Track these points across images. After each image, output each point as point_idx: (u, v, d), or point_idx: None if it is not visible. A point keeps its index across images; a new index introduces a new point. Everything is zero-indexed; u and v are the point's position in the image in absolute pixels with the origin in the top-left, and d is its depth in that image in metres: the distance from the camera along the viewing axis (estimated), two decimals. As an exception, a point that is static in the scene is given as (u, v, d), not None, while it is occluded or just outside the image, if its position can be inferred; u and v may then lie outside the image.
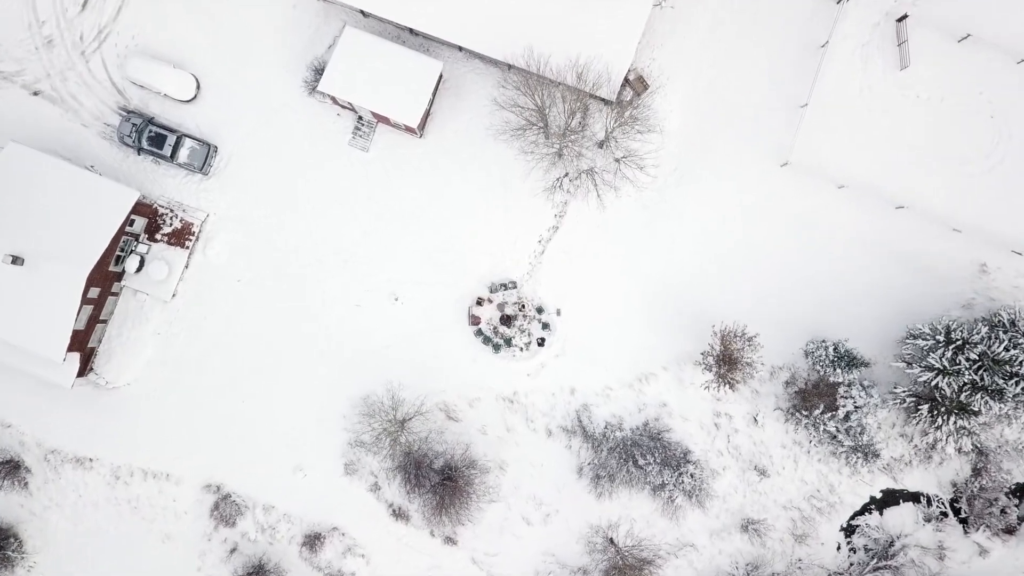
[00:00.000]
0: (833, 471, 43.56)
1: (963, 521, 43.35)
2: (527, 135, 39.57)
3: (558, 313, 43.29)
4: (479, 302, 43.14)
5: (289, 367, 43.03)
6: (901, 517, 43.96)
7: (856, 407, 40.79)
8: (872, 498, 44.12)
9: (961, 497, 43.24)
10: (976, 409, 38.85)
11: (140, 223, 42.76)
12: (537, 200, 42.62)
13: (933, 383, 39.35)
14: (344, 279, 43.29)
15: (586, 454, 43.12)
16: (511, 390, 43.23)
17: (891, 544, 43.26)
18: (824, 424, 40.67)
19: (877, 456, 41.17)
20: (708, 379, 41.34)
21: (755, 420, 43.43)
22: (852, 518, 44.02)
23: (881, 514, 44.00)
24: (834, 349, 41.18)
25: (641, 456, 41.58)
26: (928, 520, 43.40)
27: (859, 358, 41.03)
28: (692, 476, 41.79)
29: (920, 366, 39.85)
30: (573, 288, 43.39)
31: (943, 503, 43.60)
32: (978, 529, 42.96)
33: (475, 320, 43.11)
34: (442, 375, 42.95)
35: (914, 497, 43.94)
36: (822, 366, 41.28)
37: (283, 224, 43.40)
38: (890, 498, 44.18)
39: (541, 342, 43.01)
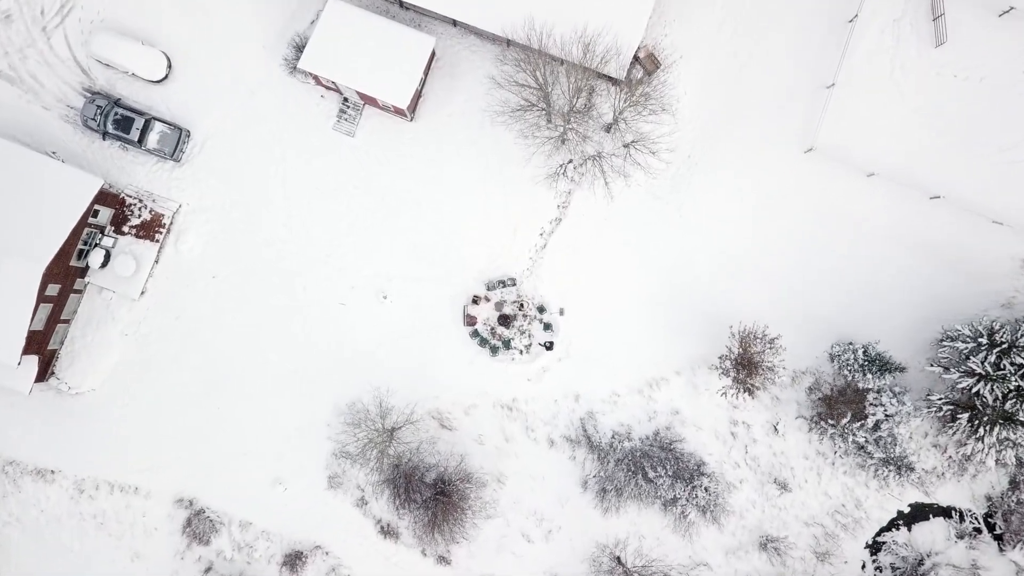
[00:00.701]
0: (860, 484, 40.16)
1: (998, 538, 40.18)
2: (527, 117, 35.97)
3: (561, 313, 39.78)
4: (475, 300, 39.62)
5: (268, 371, 39.53)
6: (931, 533, 40.77)
7: (887, 416, 37.33)
8: (900, 513, 40.87)
9: (996, 512, 39.97)
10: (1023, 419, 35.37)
11: (105, 214, 39.22)
12: (539, 189, 39.07)
13: (973, 390, 35.85)
14: (328, 275, 39.79)
15: (591, 466, 39.69)
16: (510, 396, 39.77)
17: (920, 563, 39.98)
18: (853, 434, 37.17)
19: (911, 470, 37.70)
20: (725, 385, 37.89)
21: (775, 429, 39.98)
22: (878, 534, 40.81)
23: (910, 530, 40.82)
24: (863, 352, 37.68)
25: (651, 468, 38.20)
26: (961, 537, 40.12)
27: (892, 362, 37.55)
28: (707, 490, 38.43)
29: (959, 371, 36.35)
30: (577, 285, 39.89)
31: (977, 518, 40.31)
32: (1015, 546, 39.74)
33: (471, 320, 39.60)
34: (435, 380, 39.50)
35: (945, 512, 40.76)
36: (850, 371, 37.78)
37: (261, 216, 39.87)
38: (919, 513, 40.98)
39: (550, 346, 39.48)
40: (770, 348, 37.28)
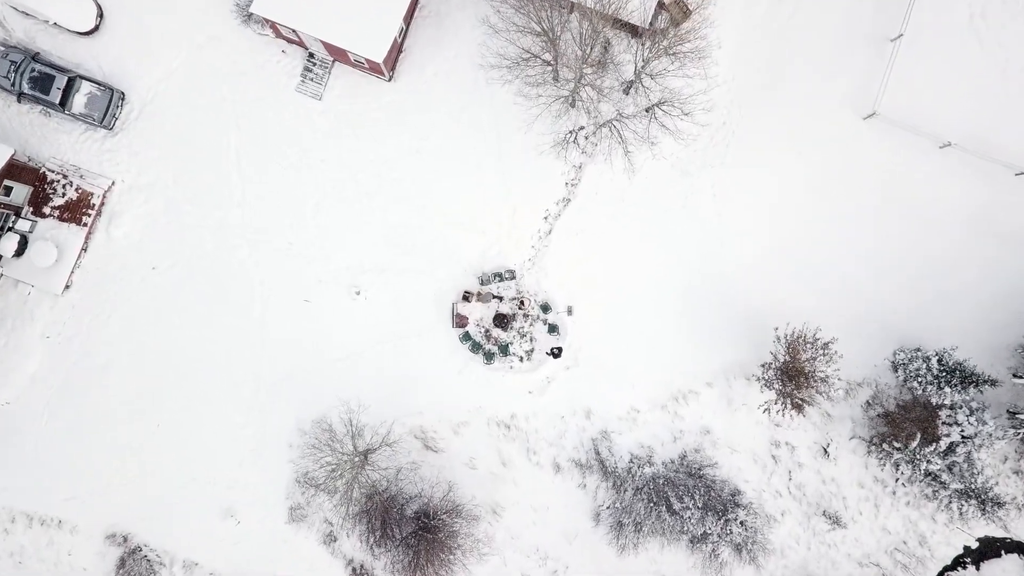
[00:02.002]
0: (925, 517, 33.74)
1: (1086, 579, 33.71)
2: (530, 70, 29.23)
3: (569, 312, 33.17)
4: (466, 297, 33.01)
5: (218, 382, 32.97)
6: (1004, 573, 34.28)
7: (964, 437, 30.77)
8: (967, 548, 34.47)
9: (1084, 549, 33.52)
10: None
11: (21, 192, 32.59)
12: (543, 162, 32.40)
13: (1073, 408, 29.34)
14: (290, 267, 33.20)
15: (605, 495, 33.22)
16: (508, 412, 33.24)
17: (991, 607, 33.60)
18: (927, 461, 30.61)
19: (1000, 505, 31.18)
20: (768, 400, 31.36)
21: (825, 452, 33.48)
22: (941, 574, 34.27)
23: (978, 568, 34.69)
24: (938, 361, 31.09)
25: (677, 498, 31.75)
26: (1040, 577, 33.74)
27: (978, 374, 31.02)
28: (743, 524, 32.01)
29: (1054, 385, 29.83)
30: (589, 279, 33.32)
31: (1060, 556, 33.94)
32: (1105, 589, 33.21)
33: (461, 321, 32.99)
34: (417, 393, 33.00)
35: (1020, 547, 34.17)
36: (921, 383, 31.19)
37: (211, 196, 33.27)
38: (989, 548, 34.76)
39: (557, 353, 32.92)
40: (823, 355, 30.71)
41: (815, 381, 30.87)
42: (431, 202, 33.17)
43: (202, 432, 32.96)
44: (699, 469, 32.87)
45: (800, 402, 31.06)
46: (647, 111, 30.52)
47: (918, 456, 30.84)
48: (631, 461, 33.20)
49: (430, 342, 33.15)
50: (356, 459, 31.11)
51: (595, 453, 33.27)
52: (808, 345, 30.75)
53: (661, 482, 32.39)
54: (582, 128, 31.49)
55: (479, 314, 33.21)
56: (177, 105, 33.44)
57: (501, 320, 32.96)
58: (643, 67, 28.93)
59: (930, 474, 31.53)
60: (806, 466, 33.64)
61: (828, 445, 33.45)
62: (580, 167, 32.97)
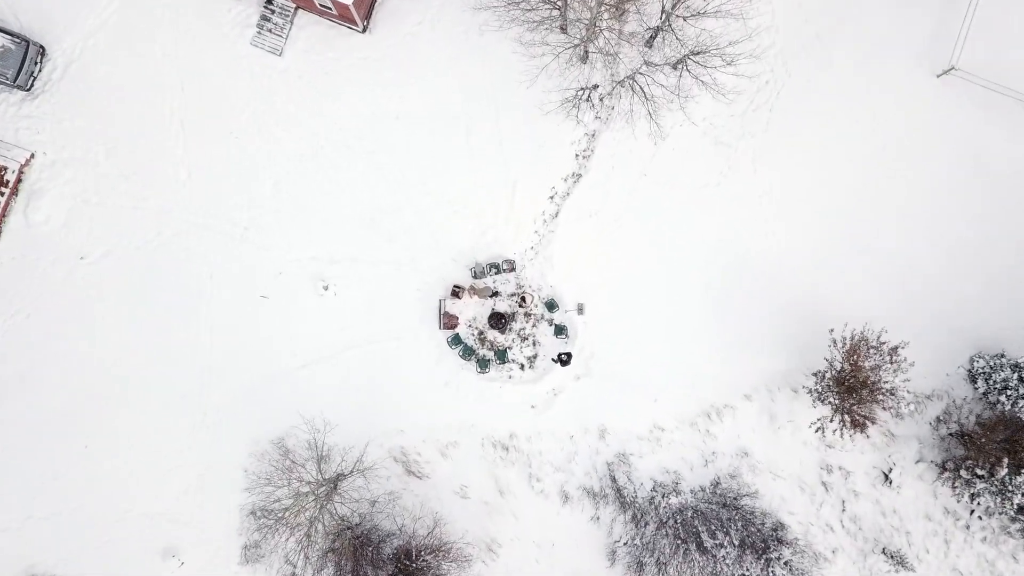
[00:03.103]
0: (1004, 556, 28.25)
1: None
2: (532, 11, 23.59)
3: (580, 311, 27.65)
4: (456, 293, 27.46)
5: (157, 395, 27.49)
6: (1090, 617, 28.75)
7: (1058, 463, 25.26)
8: (1047, 588, 28.85)
9: None
10: None
11: (-82, 166, 27.04)
12: (548, 126, 26.85)
13: None
14: (244, 257, 27.69)
15: (622, 529, 27.76)
16: (506, 430, 27.77)
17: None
18: (1021, 493, 25.08)
19: (1110, 549, 25.70)
20: (821, 417, 25.90)
21: (887, 478, 28.01)
22: (1016, 618, 28.82)
23: (1060, 612, 28.80)
24: (1032, 370, 25.60)
25: (709, 534, 26.35)
26: None
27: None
28: (787, 565, 26.70)
29: None
30: (603, 272, 27.82)
31: None
32: None
33: (450, 321, 27.47)
34: (398, 408, 27.54)
35: (1110, 587, 28.73)
36: (1010, 397, 25.68)
37: (150, 172, 27.73)
38: (1073, 588, 29.01)
39: (565, 359, 27.41)
40: (890, 363, 25.17)
41: (880, 394, 25.37)
42: (413, 178, 27.59)
43: (139, 455, 27.43)
44: (735, 499, 27.40)
45: (862, 419, 25.55)
46: (676, 66, 24.86)
47: (1009, 487, 25.24)
48: (654, 489, 27.70)
49: (412, 347, 27.63)
50: (322, 489, 25.64)
51: (611, 480, 27.75)
52: (872, 351, 25.22)
53: (690, 514, 26.93)
54: (596, 87, 25.84)
55: (472, 313, 27.66)
56: (109, 63, 27.87)
57: (498, 320, 27.40)
58: (674, 6, 23.17)
59: (1022, 509, 25.99)
60: (863, 495, 28.13)
61: (890, 470, 27.95)
62: (593, 135, 27.34)
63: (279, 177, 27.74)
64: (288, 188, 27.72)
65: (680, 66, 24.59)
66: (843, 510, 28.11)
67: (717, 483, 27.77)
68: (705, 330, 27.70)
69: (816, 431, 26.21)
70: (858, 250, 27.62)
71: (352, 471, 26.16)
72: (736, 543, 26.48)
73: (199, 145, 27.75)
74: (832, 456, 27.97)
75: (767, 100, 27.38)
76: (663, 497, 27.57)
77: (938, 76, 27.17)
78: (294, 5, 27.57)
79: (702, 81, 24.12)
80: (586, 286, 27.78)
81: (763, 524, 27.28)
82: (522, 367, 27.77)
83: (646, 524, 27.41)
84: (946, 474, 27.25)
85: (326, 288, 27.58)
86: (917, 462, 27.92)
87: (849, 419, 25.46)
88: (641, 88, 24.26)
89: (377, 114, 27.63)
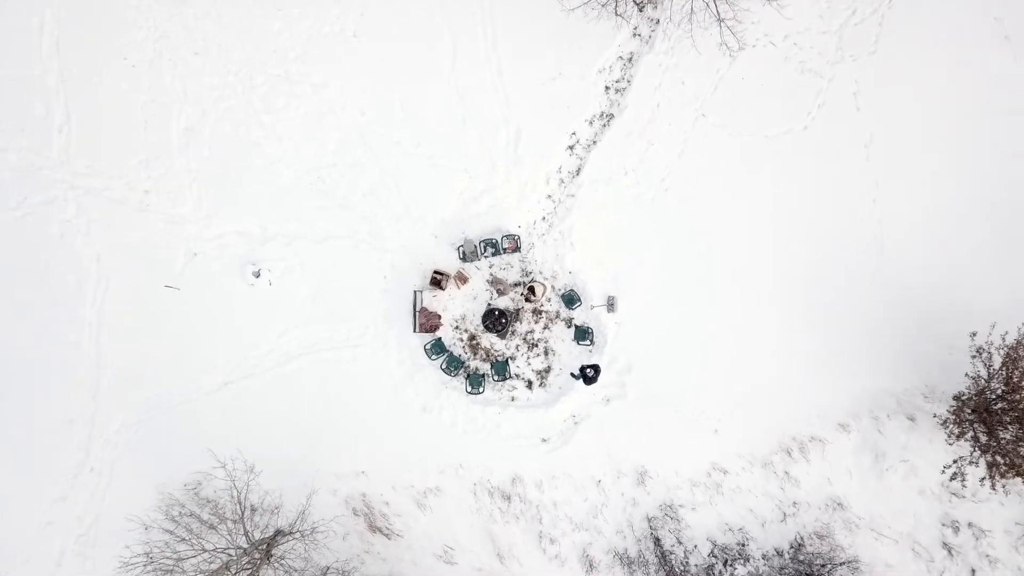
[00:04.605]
0: None
1: None
2: None
3: (610, 307, 19.87)
4: (437, 281, 19.66)
5: (24, 424, 19.83)
6: None
7: None
8: None
9: None
10: None
11: None
12: (566, 45, 18.84)
13: None
14: (143, 233, 19.94)
15: (667, 607, 20.10)
16: (508, 473, 20.12)
17: None
18: None
19: None
20: (961, 457, 18.10)
21: (1035, 538, 20.14)
22: None
23: None
24: None
25: (789, 617, 18.69)
26: None
27: None
28: (896, 657, 18.83)
29: None
30: (643, 254, 20.04)
31: None
32: None
33: (429, 322, 19.70)
34: (357, 441, 19.95)
35: None
36: None
37: (12, 114, 19.97)
38: None
39: (590, 375, 19.74)
40: (1062, 383, 17.35)
41: (1048, 427, 17.61)
42: (377, 122, 19.77)
43: None
44: (824, 567, 19.73)
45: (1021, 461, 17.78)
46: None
47: None
48: (712, 554, 20.02)
49: (377, 357, 19.95)
50: (248, 557, 18.07)
51: (653, 541, 20.06)
52: (1035, 365, 17.42)
53: (762, 589, 19.34)
54: (637, -14, 17.96)
55: (460, 310, 19.93)
56: (-43, -38, 20.07)
57: (497, 320, 19.63)
58: None
59: None
60: (1001, 562, 20.34)
61: (1041, 528, 20.16)
62: (631, 60, 19.39)
63: (193, 122, 19.96)
64: (206, 137, 19.94)
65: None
66: (972, 581, 20.41)
67: (799, 546, 20.08)
68: (784, 335, 19.95)
69: (952, 478, 18.44)
70: (998, 225, 19.72)
71: (291, 531, 18.62)
72: (826, 629, 18.93)
73: (81, 76, 19.98)
74: (960, 509, 20.16)
75: (876, 8, 19.39)
76: (725, 565, 19.94)
77: None
78: None
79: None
80: (619, 273, 20.00)
81: (863, 603, 19.67)
82: (530, 385, 20.05)
83: (701, 602, 19.81)
84: None
85: (257, 275, 19.85)
86: (1078, 518, 20.14)
87: (1005, 462, 17.68)
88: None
89: (327, 31, 19.78)
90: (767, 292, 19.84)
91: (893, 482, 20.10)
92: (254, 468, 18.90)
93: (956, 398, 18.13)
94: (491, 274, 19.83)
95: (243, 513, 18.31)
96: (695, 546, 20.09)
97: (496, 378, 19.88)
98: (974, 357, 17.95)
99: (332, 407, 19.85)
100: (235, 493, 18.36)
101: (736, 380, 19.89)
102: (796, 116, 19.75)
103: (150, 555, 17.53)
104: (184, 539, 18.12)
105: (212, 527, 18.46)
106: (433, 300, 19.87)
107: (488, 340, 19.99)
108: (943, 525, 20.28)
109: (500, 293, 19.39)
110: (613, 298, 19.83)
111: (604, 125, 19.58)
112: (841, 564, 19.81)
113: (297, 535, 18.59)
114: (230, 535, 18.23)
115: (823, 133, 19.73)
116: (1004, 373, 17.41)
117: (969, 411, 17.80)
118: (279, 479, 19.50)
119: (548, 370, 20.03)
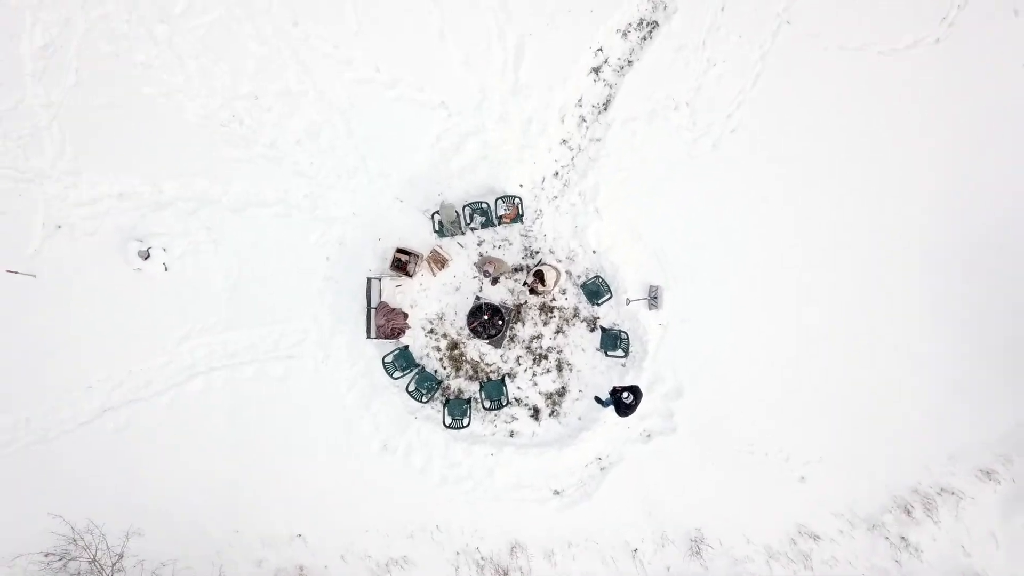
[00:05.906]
0: None
1: None
2: None
3: (652, 303, 13.80)
4: (402, 264, 13.59)
5: None
6: None
7: None
8: None
9: None
10: None
11: None
12: None
13: None
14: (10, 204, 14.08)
15: None
16: (506, 539, 14.19)
17: None
18: None
19: None
20: None
21: None
22: None
23: None
24: None
25: None
26: None
27: None
28: None
29: None
30: (698, 229, 13.90)
31: None
32: None
33: (391, 323, 13.69)
34: (289, 493, 14.01)
35: None
36: None
37: None
38: None
39: (628, 401, 13.76)
40: None
41: None
42: (316, 32, 13.70)
43: None
44: (956, 672, 13.76)
45: None
46: None
47: None
48: (796, 654, 14.08)
49: (317, 373, 14.05)
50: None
51: (711, 635, 14.13)
52: None
53: None
54: None
55: (434, 306, 13.92)
56: None
57: (488, 321, 13.52)
58: None
59: None
60: None
61: None
62: (683, -57, 13.22)
63: (53, 36, 13.95)
64: (71, 57, 13.94)
65: None
66: None
67: (920, 641, 14.12)
68: (905, 343, 13.90)
69: None
70: None
71: (191, 626, 12.83)
72: None
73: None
74: None
75: None
76: (814, 670, 13.98)
77: None
78: None
79: None
80: (665, 253, 13.93)
81: None
82: (536, 414, 14.06)
83: None
84: None
85: (147, 256, 13.90)
86: None
87: None
88: None
89: (241, -98, 13.69)
90: (885, 281, 13.77)
91: (1059, 553, 14.11)
92: (140, 532, 13.09)
93: None
94: (480, 254, 13.85)
95: (119, 596, 12.57)
96: (771, 642, 14.18)
97: (488, 404, 13.92)
98: None
99: (255, 444, 14.00)
100: (99, 564, 12.58)
101: (833, 408, 13.89)
102: (926, 22, 13.56)
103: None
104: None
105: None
106: (397, 292, 13.89)
107: (476, 349, 14.01)
108: None
109: (493, 282, 13.40)
110: (657, 288, 13.80)
111: (644, 37, 13.44)
112: (982, 671, 13.87)
113: (200, 631, 12.82)
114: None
115: (966, 46, 13.54)
116: None
117: None
118: (180, 545, 13.75)
119: (563, 393, 14.05)
